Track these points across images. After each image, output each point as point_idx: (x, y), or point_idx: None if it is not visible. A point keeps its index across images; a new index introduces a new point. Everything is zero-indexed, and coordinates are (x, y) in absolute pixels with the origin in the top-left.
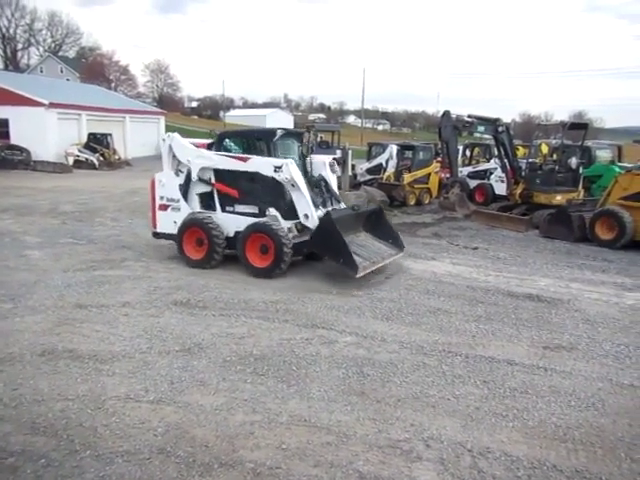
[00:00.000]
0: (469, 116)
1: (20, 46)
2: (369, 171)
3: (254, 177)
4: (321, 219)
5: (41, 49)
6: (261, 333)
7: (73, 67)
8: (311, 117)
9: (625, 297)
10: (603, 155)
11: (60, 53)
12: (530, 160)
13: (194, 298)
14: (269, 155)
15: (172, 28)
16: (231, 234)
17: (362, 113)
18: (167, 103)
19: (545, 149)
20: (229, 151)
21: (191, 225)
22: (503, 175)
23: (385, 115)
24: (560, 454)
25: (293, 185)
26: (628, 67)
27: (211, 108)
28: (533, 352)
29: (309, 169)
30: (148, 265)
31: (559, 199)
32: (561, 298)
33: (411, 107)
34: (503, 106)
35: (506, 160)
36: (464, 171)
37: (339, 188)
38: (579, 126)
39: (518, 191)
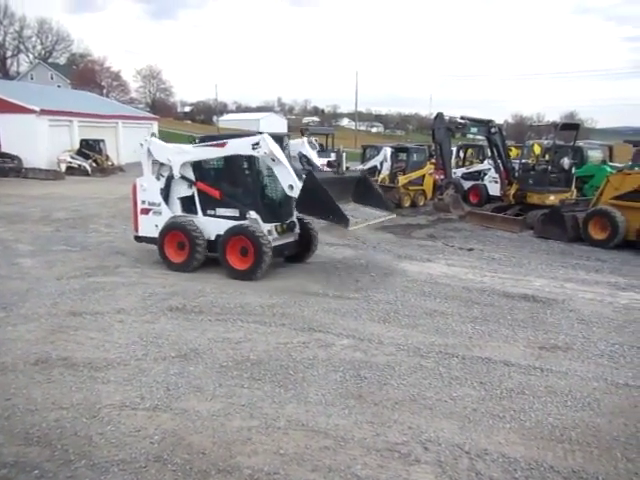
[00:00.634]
0: (462, 118)
1: (9, 53)
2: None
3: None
4: (305, 179)
5: (31, 56)
6: (258, 337)
7: (64, 74)
8: (305, 120)
9: (619, 297)
10: (595, 155)
11: (50, 60)
12: (523, 161)
13: (190, 303)
14: (249, 161)
15: (164, 34)
16: (212, 237)
17: (356, 116)
18: (160, 108)
19: (538, 150)
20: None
21: (172, 229)
22: (497, 176)
23: (378, 118)
24: (557, 455)
25: (273, 159)
26: (617, 68)
27: (204, 113)
28: (529, 352)
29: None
30: (143, 271)
31: (552, 199)
32: (556, 298)
33: (404, 109)
34: (495, 107)
35: (499, 161)
36: (458, 172)
37: None
38: (571, 127)
39: (512, 192)
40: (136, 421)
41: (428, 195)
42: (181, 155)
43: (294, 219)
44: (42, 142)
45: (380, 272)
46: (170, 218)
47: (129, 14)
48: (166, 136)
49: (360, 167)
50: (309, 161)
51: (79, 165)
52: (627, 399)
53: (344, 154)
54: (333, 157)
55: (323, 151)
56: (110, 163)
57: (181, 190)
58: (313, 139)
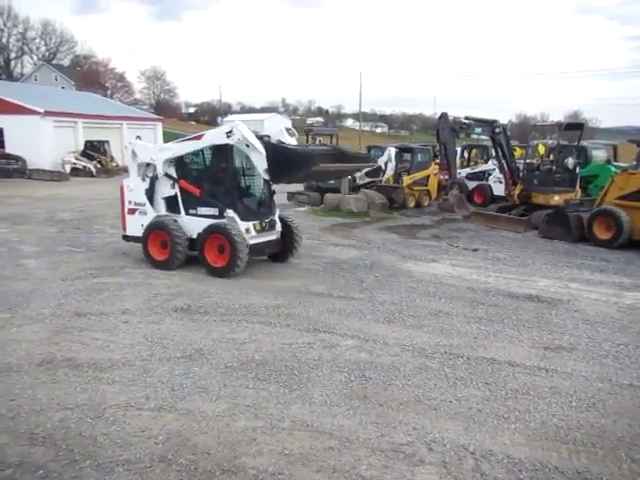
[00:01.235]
0: (466, 118)
1: (13, 55)
2: (368, 174)
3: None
4: (265, 147)
5: (35, 58)
6: (262, 338)
7: (68, 75)
8: (309, 121)
9: (624, 297)
10: (599, 155)
11: (54, 61)
12: (527, 161)
13: (195, 304)
14: (227, 159)
15: (168, 35)
16: (194, 236)
17: (360, 116)
18: (164, 109)
19: (542, 149)
20: (196, 158)
21: (155, 228)
22: (501, 176)
23: (383, 118)
24: (562, 455)
25: (248, 145)
26: (618, 68)
27: (209, 113)
28: (534, 353)
29: None
30: (147, 272)
31: (557, 199)
32: (561, 298)
33: (408, 109)
34: (499, 107)
35: (504, 161)
36: (462, 172)
37: (339, 192)
38: (575, 126)
39: (516, 192)
40: (141, 421)
41: (432, 195)
42: (162, 152)
43: (275, 218)
44: (46, 143)
45: (385, 272)
46: (154, 217)
47: (133, 15)
48: (171, 137)
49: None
50: None
51: (83, 166)
52: (632, 400)
53: None
54: None
55: None
56: (115, 164)
57: (165, 190)
58: (317, 140)
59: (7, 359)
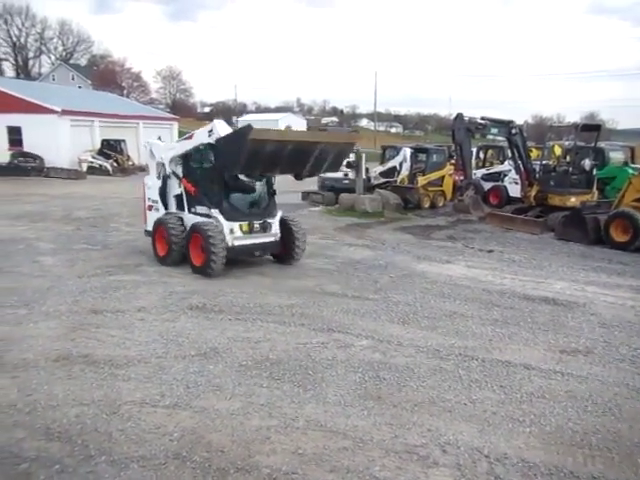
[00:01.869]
0: (482, 118)
1: (31, 54)
2: (383, 174)
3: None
4: (216, 142)
5: (52, 57)
6: (277, 337)
7: (85, 75)
8: (324, 121)
9: None
10: (616, 156)
11: (71, 61)
12: (544, 162)
13: (210, 302)
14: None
15: (183, 35)
16: None
17: (375, 116)
18: (180, 109)
19: (558, 151)
20: (197, 156)
21: (159, 224)
22: (517, 177)
23: (397, 118)
24: (577, 460)
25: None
26: (633, 68)
27: (224, 113)
28: (550, 356)
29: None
30: (163, 270)
31: (573, 201)
32: (577, 301)
33: (423, 110)
34: (515, 108)
35: (520, 162)
36: (478, 173)
37: (354, 192)
38: (591, 127)
39: (532, 193)
40: (156, 418)
41: (448, 196)
42: (168, 151)
43: (271, 219)
44: (64, 142)
45: (399, 273)
46: (163, 214)
47: (148, 16)
48: None
49: (379, 168)
50: None
51: (100, 165)
52: None
53: (363, 155)
54: (352, 157)
55: None
56: (131, 163)
57: (175, 188)
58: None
59: (24, 355)
